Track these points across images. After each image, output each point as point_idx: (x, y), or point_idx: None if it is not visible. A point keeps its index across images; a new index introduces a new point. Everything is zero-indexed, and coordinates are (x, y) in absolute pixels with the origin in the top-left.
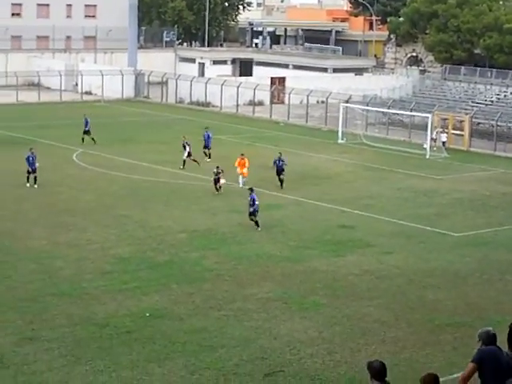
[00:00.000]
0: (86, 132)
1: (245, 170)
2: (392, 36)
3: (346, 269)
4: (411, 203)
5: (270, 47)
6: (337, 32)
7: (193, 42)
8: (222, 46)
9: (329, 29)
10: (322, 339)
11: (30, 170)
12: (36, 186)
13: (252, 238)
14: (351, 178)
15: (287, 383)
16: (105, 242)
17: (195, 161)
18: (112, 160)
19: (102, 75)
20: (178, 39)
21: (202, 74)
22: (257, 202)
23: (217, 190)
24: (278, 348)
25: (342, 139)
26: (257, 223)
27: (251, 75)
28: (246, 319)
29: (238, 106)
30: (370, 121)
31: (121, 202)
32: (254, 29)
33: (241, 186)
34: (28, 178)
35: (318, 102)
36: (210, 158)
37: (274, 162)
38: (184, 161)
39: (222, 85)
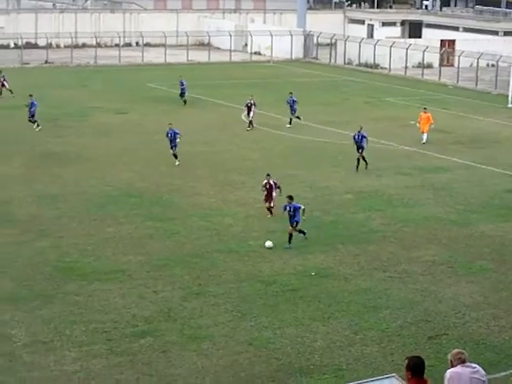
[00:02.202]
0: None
1: (432, 126)
2: None
3: None
4: None
5: (440, 9)
6: None
7: (362, 4)
8: (391, 7)
9: None
10: (487, 304)
11: (170, 146)
12: (177, 163)
13: (419, 201)
14: None
15: (451, 347)
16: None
17: (251, 123)
18: (280, 120)
19: (272, 36)
20: (346, 0)
21: (370, 35)
22: (302, 207)
23: (269, 211)
24: (443, 311)
25: None
26: (301, 231)
27: (420, 37)
28: (411, 281)
29: (406, 68)
30: None
31: (288, 162)
32: None
33: (423, 141)
34: (174, 155)
35: (488, 65)
36: (290, 124)
37: (354, 137)
38: (250, 121)
39: (391, 47)
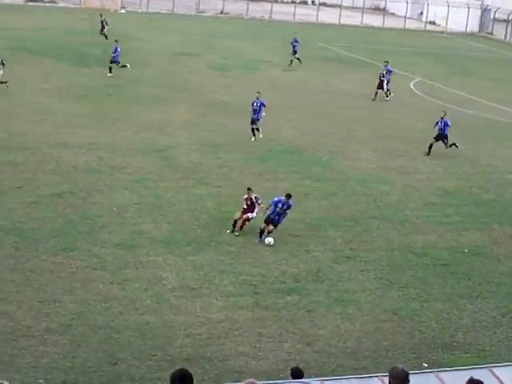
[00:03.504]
0: (294, 52)
1: None
2: None
3: None
4: None
5: None
6: None
7: None
8: None
9: None
10: None
11: (253, 118)
12: (253, 139)
13: None
14: None
15: None
16: (432, 173)
17: (388, 92)
18: (448, 92)
19: (449, 6)
20: None
21: None
22: (288, 212)
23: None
24: None
25: None
26: (261, 234)
27: None
28: None
29: None
30: None
31: (451, 136)
32: None
33: None
34: (253, 130)
35: None
36: (387, 96)
37: (436, 124)
38: (387, 91)
39: None
